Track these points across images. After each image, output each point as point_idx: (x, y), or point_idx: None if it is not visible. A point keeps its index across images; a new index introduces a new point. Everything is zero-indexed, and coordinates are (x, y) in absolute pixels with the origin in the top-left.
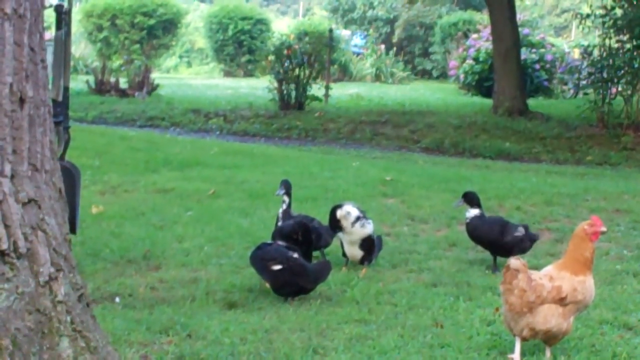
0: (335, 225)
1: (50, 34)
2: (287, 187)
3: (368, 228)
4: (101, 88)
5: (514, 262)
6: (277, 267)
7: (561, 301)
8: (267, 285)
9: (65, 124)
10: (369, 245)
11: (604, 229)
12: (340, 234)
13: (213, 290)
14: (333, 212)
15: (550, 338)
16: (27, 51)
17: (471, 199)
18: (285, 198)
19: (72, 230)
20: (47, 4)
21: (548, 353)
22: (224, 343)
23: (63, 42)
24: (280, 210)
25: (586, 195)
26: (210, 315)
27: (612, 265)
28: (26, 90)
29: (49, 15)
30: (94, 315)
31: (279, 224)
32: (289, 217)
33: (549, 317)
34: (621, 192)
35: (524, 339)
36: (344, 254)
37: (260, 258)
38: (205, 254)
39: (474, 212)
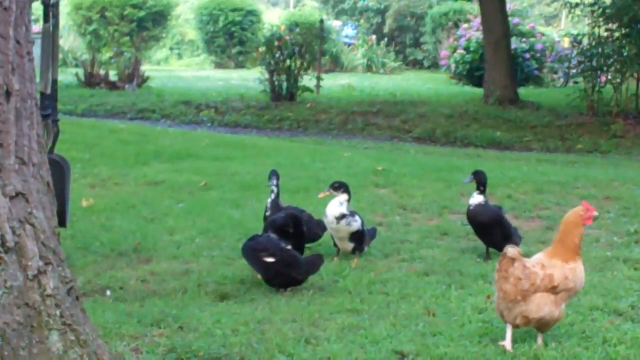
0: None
1: (38, 26)
2: (276, 177)
3: (354, 225)
4: (91, 81)
5: (511, 250)
6: (270, 259)
7: (553, 289)
8: (259, 276)
9: (54, 116)
10: (359, 237)
11: (596, 213)
12: (329, 229)
13: (205, 282)
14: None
15: (542, 325)
16: (13, 44)
17: (480, 179)
18: (274, 188)
19: (62, 223)
20: None
21: (539, 340)
22: (216, 335)
23: (51, 35)
24: (269, 200)
25: (576, 182)
26: (202, 307)
27: (603, 252)
28: (12, 83)
29: (38, 8)
30: (83, 309)
31: (267, 214)
32: (278, 207)
33: (541, 305)
34: (611, 180)
35: (516, 327)
36: (335, 244)
37: (252, 249)
38: (196, 246)
39: (478, 198)
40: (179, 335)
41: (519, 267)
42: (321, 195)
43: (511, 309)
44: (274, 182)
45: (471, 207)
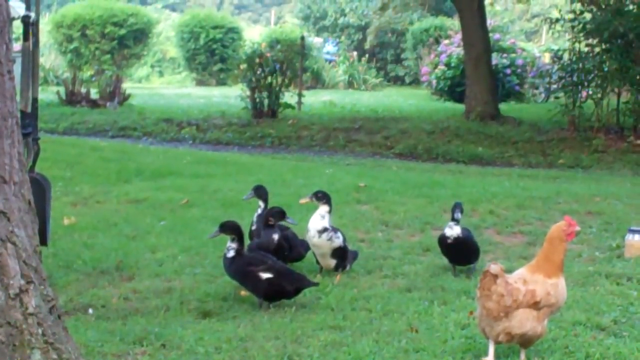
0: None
1: (18, 45)
2: (261, 192)
3: (336, 242)
4: (72, 99)
5: (494, 267)
6: (267, 274)
7: (535, 305)
8: (243, 293)
9: (35, 135)
10: (341, 254)
11: (578, 228)
12: (311, 245)
13: (187, 300)
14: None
15: (525, 341)
16: None
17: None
18: (261, 203)
19: (43, 242)
20: (15, 15)
21: (522, 356)
22: (199, 352)
23: (31, 53)
24: (255, 215)
25: (558, 198)
26: (185, 325)
27: (585, 267)
28: None
29: (18, 27)
30: (65, 327)
31: (253, 228)
32: (263, 222)
33: (524, 321)
34: (593, 195)
35: (499, 343)
36: (318, 262)
37: (246, 264)
38: (179, 264)
39: (456, 230)
40: (161, 353)
41: (502, 284)
42: (302, 201)
43: (494, 325)
44: (249, 195)
45: (449, 241)
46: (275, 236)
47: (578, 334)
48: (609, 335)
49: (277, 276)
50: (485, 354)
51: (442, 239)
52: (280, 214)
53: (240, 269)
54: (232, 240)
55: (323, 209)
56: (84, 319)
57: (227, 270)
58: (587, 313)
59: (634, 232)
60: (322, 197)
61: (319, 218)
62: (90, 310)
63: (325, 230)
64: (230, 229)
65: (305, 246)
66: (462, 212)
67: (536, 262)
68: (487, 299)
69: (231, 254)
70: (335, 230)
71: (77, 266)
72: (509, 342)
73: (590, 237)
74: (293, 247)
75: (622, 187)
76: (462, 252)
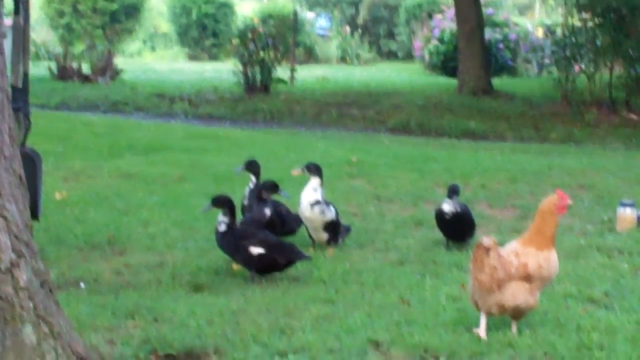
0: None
1: (9, 20)
2: (253, 166)
3: (328, 215)
4: (63, 74)
5: (486, 240)
6: (258, 248)
7: (527, 278)
8: (235, 266)
9: (26, 110)
10: (334, 228)
11: (570, 201)
12: (303, 219)
13: (179, 274)
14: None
15: (517, 314)
16: None
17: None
18: (252, 177)
19: (34, 216)
20: None
21: (514, 328)
22: (191, 326)
23: (22, 28)
24: (247, 189)
25: (550, 172)
26: (177, 299)
27: (576, 240)
28: None
29: (9, 2)
30: (57, 301)
31: (245, 203)
32: (256, 196)
33: (517, 294)
34: (585, 168)
35: (491, 315)
36: (310, 236)
37: (238, 237)
38: (170, 238)
39: (454, 205)
40: (153, 326)
41: (494, 257)
42: (294, 172)
43: (486, 298)
44: (239, 169)
45: (447, 217)
46: (267, 211)
47: (569, 306)
48: (599, 307)
49: (268, 249)
50: (477, 326)
51: (440, 214)
52: (273, 188)
53: (231, 242)
54: (224, 214)
55: (314, 181)
56: (76, 293)
57: (219, 244)
58: (578, 286)
59: (625, 205)
60: (314, 169)
61: (311, 191)
62: (82, 284)
63: (317, 202)
64: (222, 202)
65: (297, 221)
66: (458, 194)
67: (528, 235)
68: (480, 272)
69: (223, 227)
70: (327, 203)
71: (68, 240)
72: (501, 314)
73: (582, 210)
74: (285, 222)
75: (614, 160)
76: (459, 227)
